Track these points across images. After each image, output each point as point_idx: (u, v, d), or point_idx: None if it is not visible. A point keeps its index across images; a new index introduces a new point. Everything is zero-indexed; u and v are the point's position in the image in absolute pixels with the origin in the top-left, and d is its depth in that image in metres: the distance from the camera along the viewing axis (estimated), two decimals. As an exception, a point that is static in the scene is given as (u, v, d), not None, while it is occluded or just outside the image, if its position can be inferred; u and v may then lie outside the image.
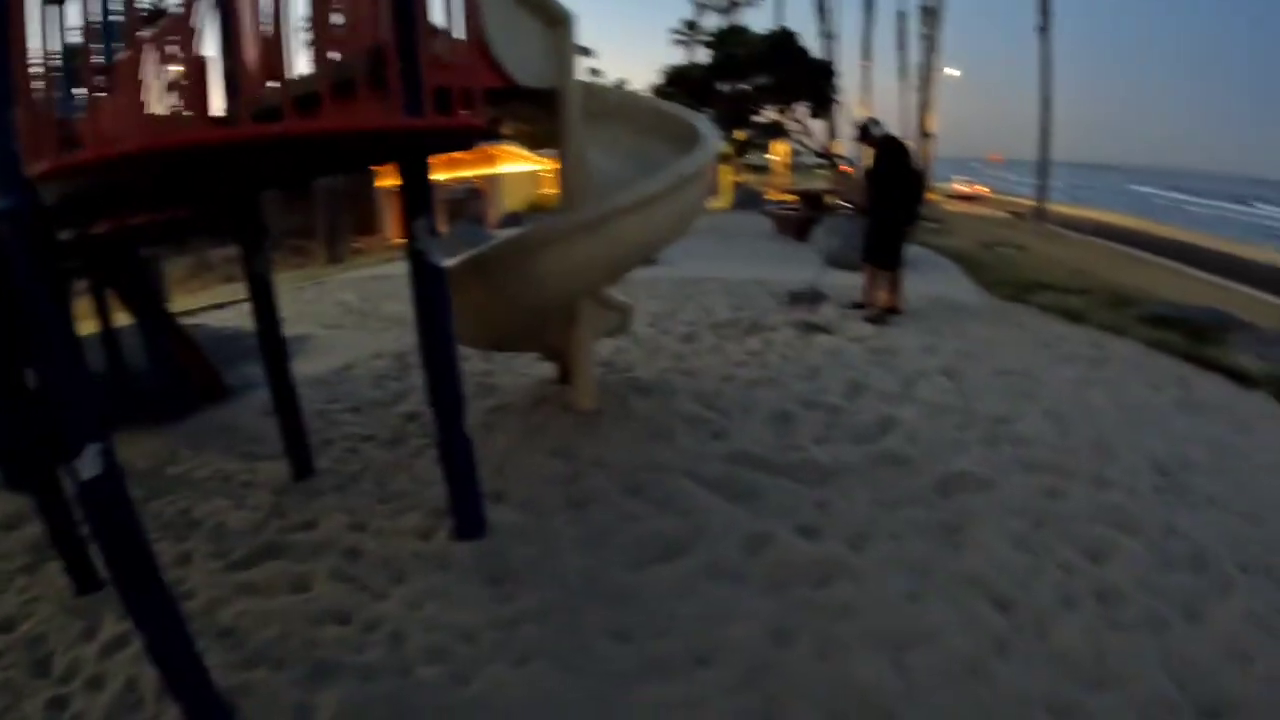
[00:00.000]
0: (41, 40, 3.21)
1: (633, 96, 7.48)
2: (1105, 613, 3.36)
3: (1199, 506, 4.34)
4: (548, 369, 6.86)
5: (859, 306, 9.29)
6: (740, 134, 32.78)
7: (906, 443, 5.14)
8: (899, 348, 7.52)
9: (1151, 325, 8.39)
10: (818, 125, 32.22)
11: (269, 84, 3.81)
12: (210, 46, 3.79)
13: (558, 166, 5.63)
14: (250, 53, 3.90)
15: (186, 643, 2.99)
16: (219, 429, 6.47)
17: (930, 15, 43.33)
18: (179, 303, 15.44)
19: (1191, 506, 4.33)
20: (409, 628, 3.44)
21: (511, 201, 31.66)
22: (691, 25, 66.57)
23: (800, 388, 6.33)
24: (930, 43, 43.33)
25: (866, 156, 9.79)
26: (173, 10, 4.06)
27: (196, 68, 3.52)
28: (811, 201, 18.76)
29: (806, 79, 29.74)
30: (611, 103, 6.27)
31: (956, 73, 50.51)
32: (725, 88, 30.55)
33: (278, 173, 4.57)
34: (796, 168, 47.76)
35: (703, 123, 5.89)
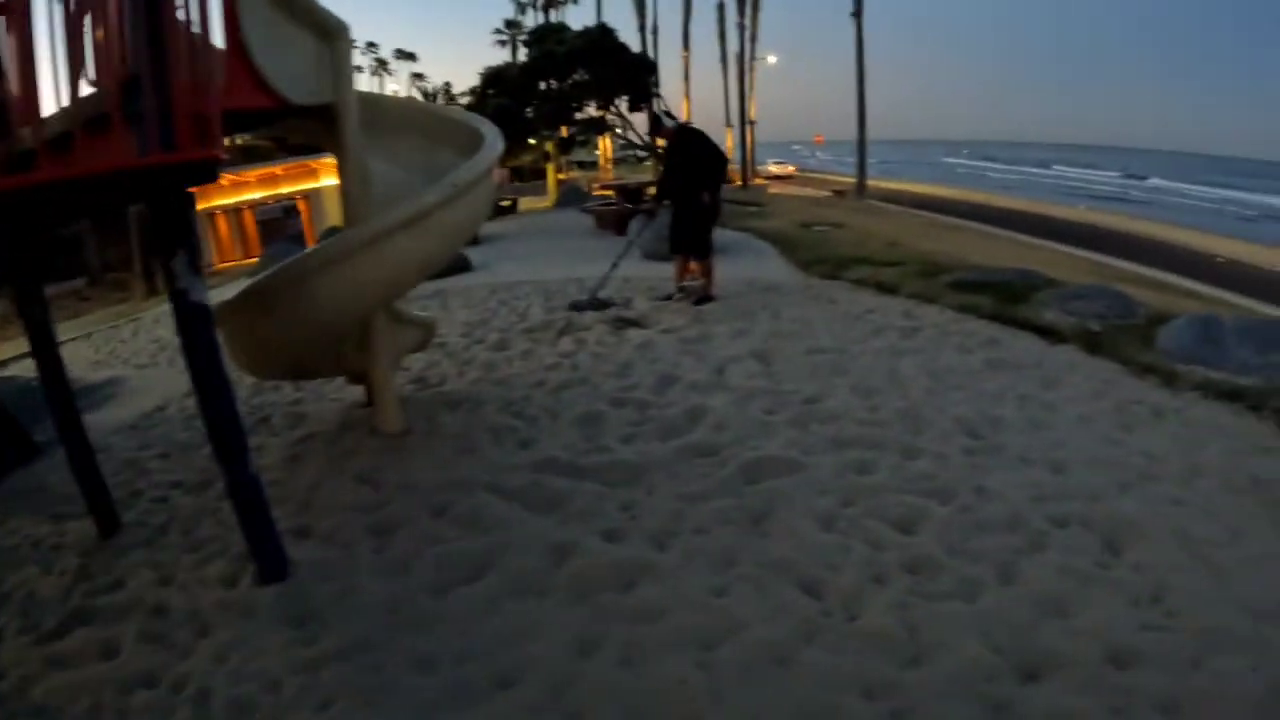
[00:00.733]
0: None
1: (418, 106, 7.29)
2: (917, 585, 3.29)
3: (1010, 465, 4.35)
4: (358, 392, 6.53)
5: (670, 298, 9.24)
6: (563, 131, 32.67)
7: (715, 432, 5.04)
8: (711, 335, 7.47)
9: (962, 291, 8.54)
10: (639, 118, 32.26)
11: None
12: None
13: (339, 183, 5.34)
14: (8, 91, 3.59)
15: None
16: (28, 490, 5.91)
17: (747, 5, 44.12)
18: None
19: (1002, 466, 4.34)
20: (215, 683, 3.18)
21: (335, 216, 30.82)
22: (512, 24, 66.39)
23: (610, 386, 6.20)
24: (748, 31, 44.12)
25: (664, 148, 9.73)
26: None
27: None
28: (628, 195, 18.69)
29: (625, 74, 29.82)
30: (397, 113, 6.05)
31: (774, 59, 51.48)
32: (545, 86, 30.39)
33: (32, 219, 4.18)
34: (623, 161, 48.04)
35: (487, 127, 5.71)
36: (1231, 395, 5.26)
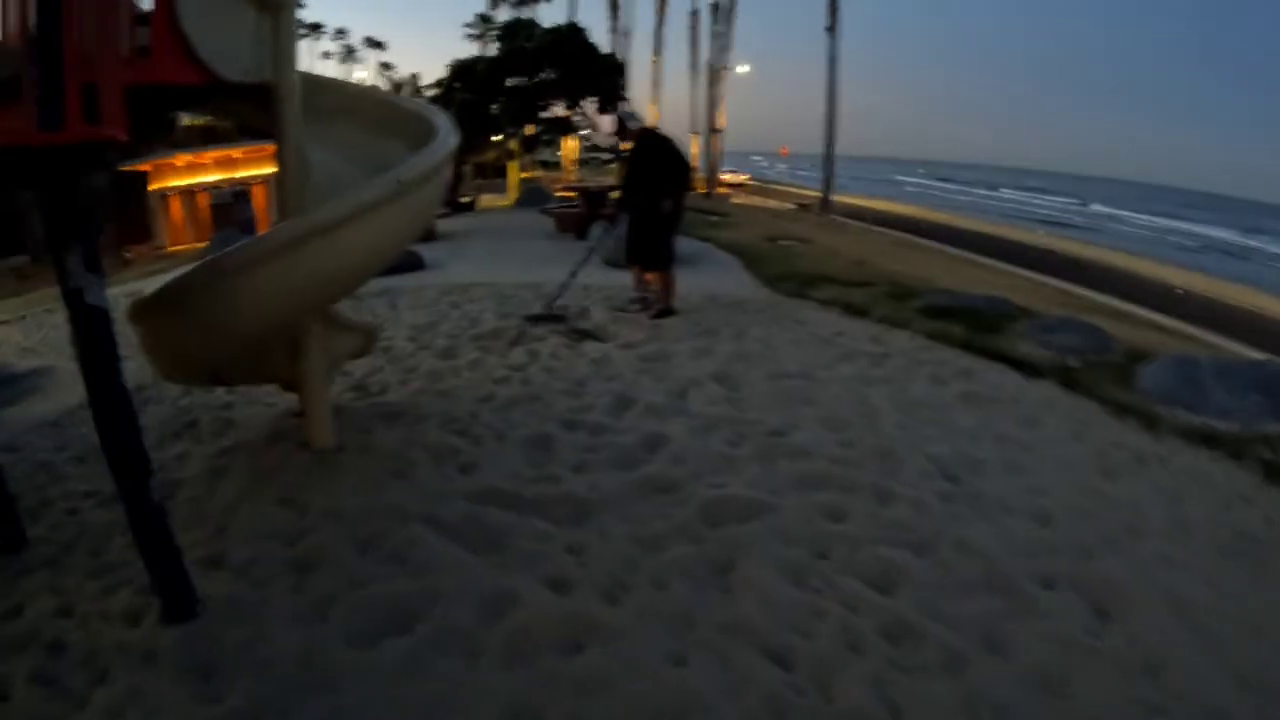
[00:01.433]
0: None
1: (367, 91, 6.85)
2: (897, 656, 2.97)
3: (990, 514, 4.06)
4: (292, 399, 6.09)
5: (626, 309, 8.92)
6: (528, 129, 32.35)
7: (673, 464, 4.69)
8: (671, 353, 7.11)
9: (933, 316, 8.31)
10: (606, 120, 32.00)
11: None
12: None
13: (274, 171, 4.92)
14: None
15: None
16: None
17: (721, 13, 44.06)
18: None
19: (983, 515, 4.05)
20: None
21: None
22: (484, 19, 66.12)
23: (563, 405, 5.84)
24: (722, 40, 44.06)
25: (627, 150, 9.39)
26: None
27: None
28: (591, 198, 18.32)
29: (594, 74, 29.54)
30: (342, 98, 5.61)
31: (746, 68, 51.50)
32: (513, 82, 30.04)
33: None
34: (587, 163, 47.82)
35: (441, 119, 5.31)
36: (1211, 441, 5.10)
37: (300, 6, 4.60)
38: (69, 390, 7.58)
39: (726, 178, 55.65)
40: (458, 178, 29.63)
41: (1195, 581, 3.48)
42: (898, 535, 3.81)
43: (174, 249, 27.42)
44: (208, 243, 19.91)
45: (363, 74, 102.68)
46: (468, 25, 69.98)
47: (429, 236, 16.47)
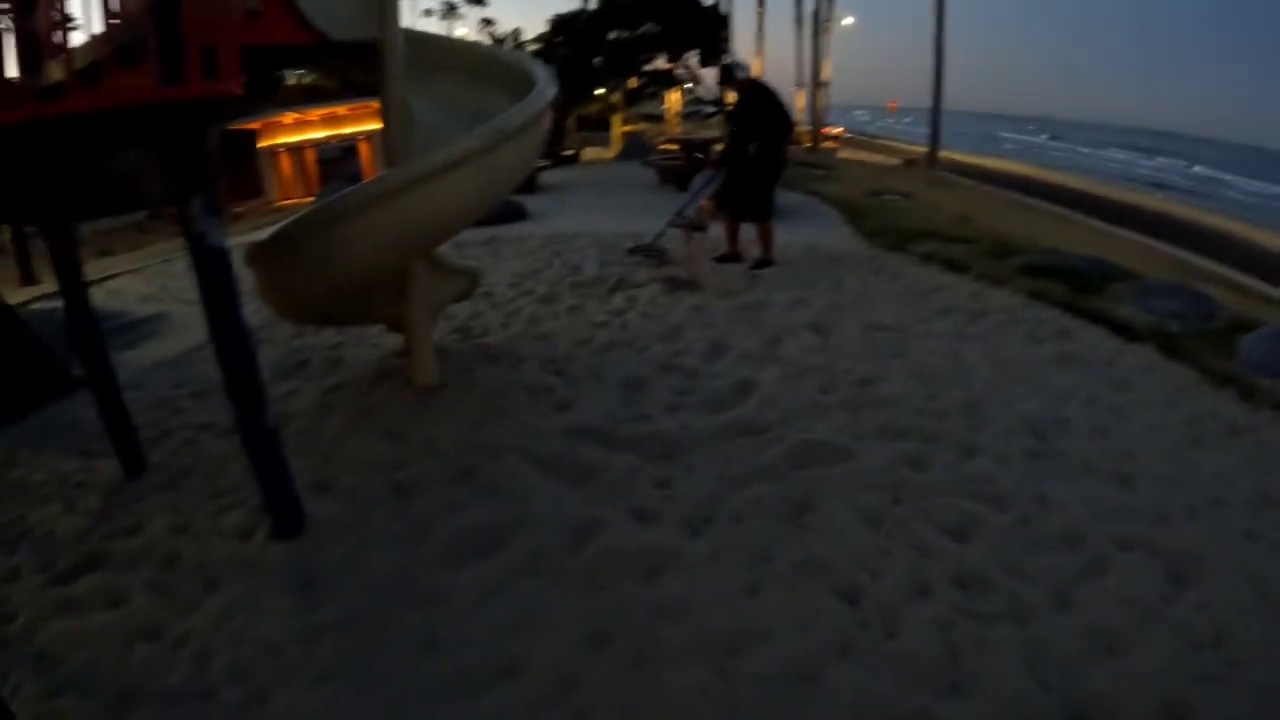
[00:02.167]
0: None
1: (467, 45, 7.00)
2: (964, 601, 3.02)
3: (1075, 474, 4.02)
4: (398, 340, 6.34)
5: (724, 259, 8.94)
6: (631, 82, 32.25)
7: (763, 408, 4.79)
8: (767, 303, 7.16)
9: (1033, 275, 8.13)
10: (708, 73, 31.75)
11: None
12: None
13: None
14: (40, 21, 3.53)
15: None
16: (61, 425, 5.87)
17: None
18: (50, 283, 14.55)
19: (1066, 475, 4.00)
20: (216, 644, 3.08)
21: (397, 158, 30.80)
22: (585, -28, 65.89)
23: (659, 350, 5.97)
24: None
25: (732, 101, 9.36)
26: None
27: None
28: (693, 150, 18.26)
29: (696, 27, 29.27)
30: (444, 52, 5.80)
31: (851, 21, 50.40)
32: (614, 36, 29.96)
33: (58, 152, 4.02)
34: (691, 116, 47.49)
35: (540, 71, 5.43)
36: (1311, 416, 4.89)
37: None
38: (184, 333, 8.03)
39: (826, 131, 54.76)
40: (560, 130, 29.77)
41: (1274, 557, 3.39)
42: (977, 488, 3.82)
43: (283, 203, 28.08)
44: (314, 197, 20.41)
45: (464, 30, 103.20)
46: (568, -23, 69.94)
47: (532, 187, 16.65)
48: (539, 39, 32.35)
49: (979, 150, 52.96)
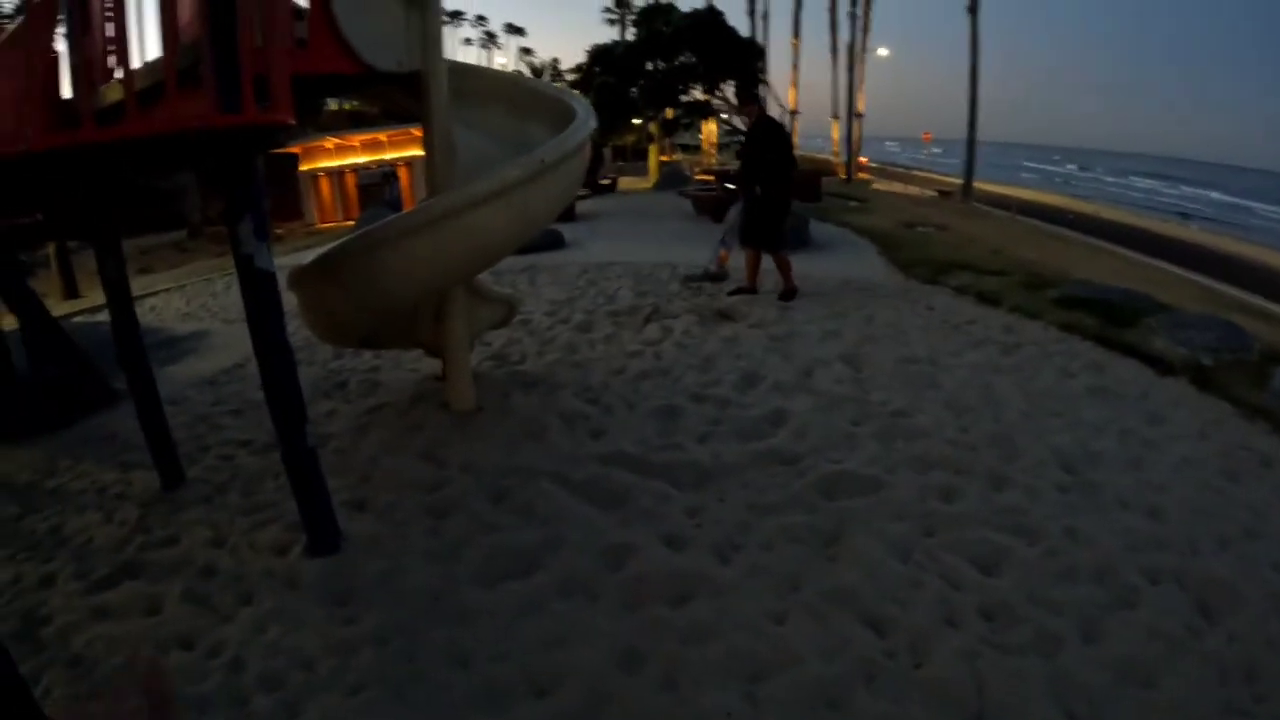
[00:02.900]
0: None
1: (508, 77, 7.15)
2: (991, 633, 3.04)
3: (1105, 507, 4.02)
4: (435, 364, 6.45)
5: (741, 290, 9.05)
6: (668, 112, 32.45)
7: (795, 439, 4.83)
8: (800, 334, 7.24)
9: (1066, 307, 8.13)
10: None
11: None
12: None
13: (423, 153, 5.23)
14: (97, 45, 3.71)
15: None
16: (101, 437, 6.05)
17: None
18: (91, 298, 14.88)
19: (1097, 508, 4.01)
20: (250, 654, 3.16)
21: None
22: (621, 3, 66.58)
23: (692, 379, 6.04)
24: (860, 22, 43.33)
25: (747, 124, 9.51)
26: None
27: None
28: (727, 181, 18.40)
29: (732, 57, 29.43)
30: (487, 83, 5.96)
31: (885, 52, 50.51)
32: (651, 66, 30.19)
33: (108, 175, 4.17)
34: (727, 146, 47.69)
35: (580, 104, 5.55)
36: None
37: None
38: (224, 352, 8.23)
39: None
40: (598, 160, 29.99)
41: (1307, 590, 3.38)
42: (1007, 520, 3.84)
43: (323, 226, 28.49)
44: (354, 221, 20.70)
45: (503, 60, 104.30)
46: (606, 10, 70.62)
47: (570, 216, 16.82)
48: (577, 69, 32.66)
49: (1004, 179, 52.82)
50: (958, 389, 5.72)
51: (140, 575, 3.87)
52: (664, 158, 39.73)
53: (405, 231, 4.63)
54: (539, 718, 2.74)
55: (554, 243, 13.43)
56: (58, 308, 12.22)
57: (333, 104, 38.24)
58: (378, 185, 27.82)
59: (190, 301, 12.29)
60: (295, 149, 28.96)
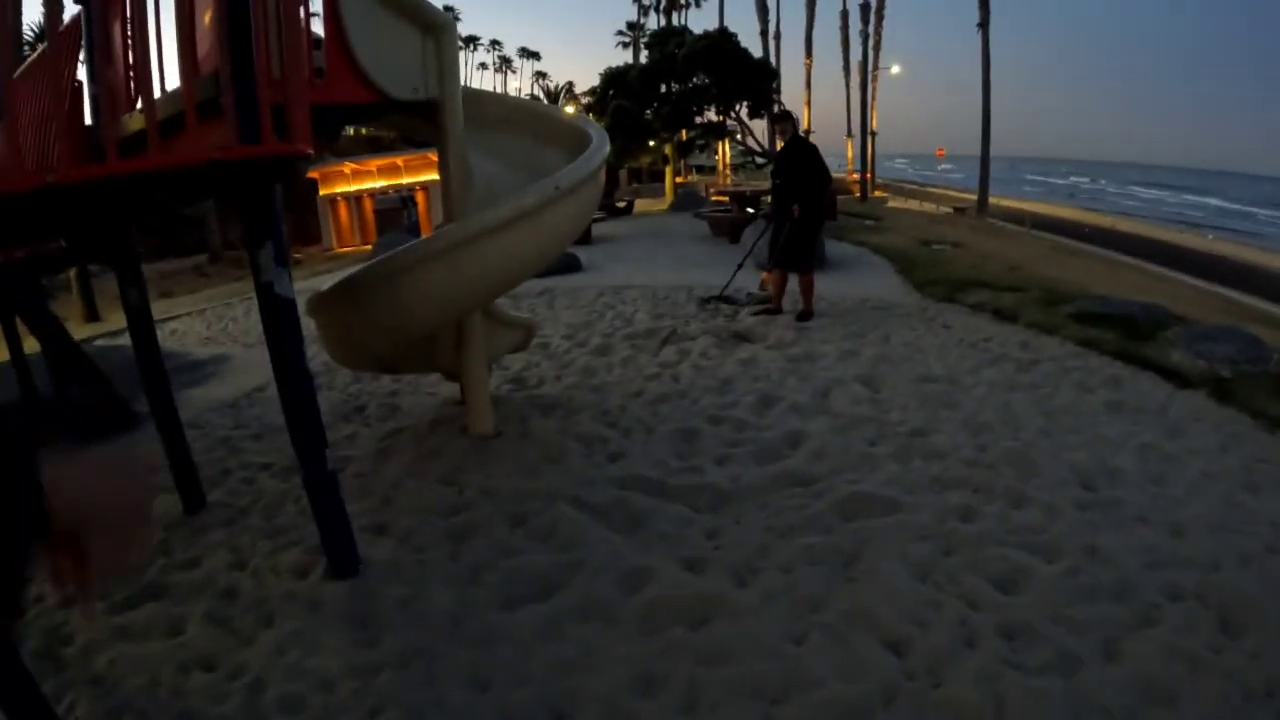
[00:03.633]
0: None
1: (523, 104, 7.21)
2: (1011, 653, 3.01)
3: (1125, 524, 3.99)
4: (454, 388, 6.50)
5: (769, 312, 9.12)
6: (682, 134, 32.59)
7: (813, 460, 4.84)
8: (818, 354, 7.26)
9: (1084, 323, 8.12)
10: (759, 125, 32.01)
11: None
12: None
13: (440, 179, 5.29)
14: (118, 76, 3.76)
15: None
16: None
17: (871, 13, 43.55)
18: (111, 321, 15.03)
19: (1117, 525, 3.98)
20: (271, 675, 3.17)
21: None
22: (634, 26, 67.03)
23: (710, 401, 6.07)
24: (871, 40, 43.51)
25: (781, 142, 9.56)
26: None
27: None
28: (744, 202, 18.47)
29: (745, 79, 29.57)
30: (503, 110, 6.02)
31: (897, 69, 50.60)
32: (665, 89, 30.37)
33: (131, 205, 4.23)
34: (742, 167, 47.80)
35: (594, 130, 5.62)
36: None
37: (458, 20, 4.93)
38: (244, 376, 8.29)
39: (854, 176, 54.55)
40: (613, 182, 30.09)
41: (1331, 604, 3.34)
42: (1026, 539, 3.82)
43: (341, 251, 28.66)
44: (372, 245, 20.83)
45: (518, 84, 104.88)
46: (620, 33, 71.17)
47: (587, 239, 16.91)
48: (591, 92, 32.87)
49: (1008, 194, 52.97)
50: (975, 407, 5.72)
51: (162, 597, 3.89)
52: (680, 179, 39.86)
53: (424, 258, 4.68)
54: (558, 741, 2.74)
55: (571, 266, 13.52)
56: (79, 331, 12.34)
57: (350, 129, 38.60)
58: (395, 210, 27.99)
59: (211, 326, 12.42)
60: (314, 174, 29.19)
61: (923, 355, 7.21)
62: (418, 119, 5.19)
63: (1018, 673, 2.89)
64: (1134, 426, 5.36)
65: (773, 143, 9.27)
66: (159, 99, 3.46)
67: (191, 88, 3.32)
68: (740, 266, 9.82)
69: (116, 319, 13.34)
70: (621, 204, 29.49)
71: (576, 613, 3.43)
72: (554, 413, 5.99)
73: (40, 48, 4.02)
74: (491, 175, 5.28)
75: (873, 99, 43.49)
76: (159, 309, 13.56)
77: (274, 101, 3.32)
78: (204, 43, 3.51)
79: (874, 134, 43.55)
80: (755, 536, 3.97)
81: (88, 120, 4.24)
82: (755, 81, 30.07)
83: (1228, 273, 23.44)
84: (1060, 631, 3.12)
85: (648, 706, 2.85)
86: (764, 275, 9.12)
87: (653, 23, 63.88)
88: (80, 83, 4.21)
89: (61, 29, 3.52)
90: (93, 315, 17.56)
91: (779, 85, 32.80)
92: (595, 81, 33.62)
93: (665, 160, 37.25)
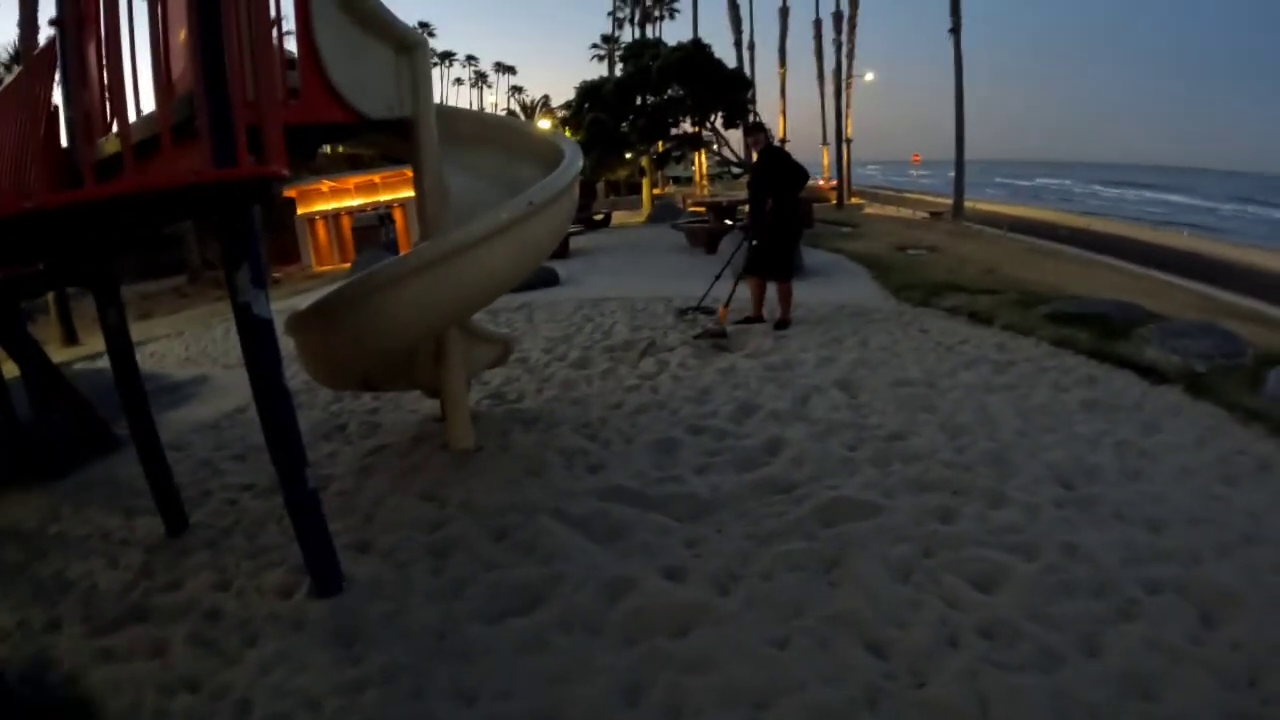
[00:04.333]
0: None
1: (496, 120, 7.25)
2: (992, 651, 3.03)
3: (1103, 521, 4.03)
4: (434, 405, 6.50)
5: (749, 321, 9.13)
6: (659, 146, 32.65)
7: (792, 467, 4.86)
8: (795, 361, 7.31)
9: (1059, 323, 8.19)
10: (734, 135, 32.09)
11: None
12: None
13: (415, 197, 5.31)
14: (94, 99, 3.79)
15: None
16: (104, 483, 6.07)
17: (844, 21, 43.81)
18: (90, 344, 14.96)
19: (1095, 522, 4.02)
20: (256, 695, 3.16)
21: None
22: (609, 39, 67.24)
23: (689, 411, 6.09)
24: (845, 48, 43.78)
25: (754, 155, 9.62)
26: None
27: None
28: (720, 213, 18.52)
29: (720, 90, 29.66)
30: (477, 126, 6.04)
31: (871, 77, 50.91)
32: (640, 101, 30.42)
33: (109, 228, 4.24)
34: (719, 177, 47.96)
35: (568, 145, 5.65)
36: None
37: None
38: (224, 397, 8.28)
39: (823, 184, 54.76)
40: (590, 195, 30.09)
41: (1309, 593, 3.38)
42: (1005, 538, 3.85)
43: (320, 269, 28.58)
44: (350, 263, 20.81)
45: (494, 99, 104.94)
46: (594, 46, 71.49)
47: (564, 253, 16.92)
48: (566, 105, 32.93)
49: (974, 196, 53.73)
50: (953, 410, 5.76)
51: (146, 619, 3.88)
52: (657, 191, 39.94)
53: (401, 275, 4.69)
54: (543, 754, 2.75)
55: (549, 280, 13.54)
56: (58, 354, 12.28)
57: (327, 147, 38.55)
58: (373, 227, 27.91)
59: (190, 347, 12.37)
60: (291, 193, 29.09)
61: (900, 360, 7.25)
62: (393, 137, 5.20)
63: (999, 671, 2.90)
64: (1110, 424, 5.42)
65: (748, 153, 9.29)
66: (133, 122, 3.47)
67: (166, 110, 3.34)
68: (718, 277, 9.85)
69: (95, 342, 13.28)
70: (599, 217, 29.52)
71: (559, 624, 3.44)
72: (534, 426, 6.00)
73: (14, 71, 4.02)
74: (467, 191, 5.29)
75: (848, 106, 43.75)
76: (138, 331, 13.53)
77: (249, 122, 3.33)
78: (178, 64, 3.52)
79: (849, 141, 43.75)
80: (736, 544, 3.98)
81: (63, 143, 4.25)
82: (730, 92, 30.13)
83: (1203, 268, 23.67)
84: (1041, 629, 3.14)
85: (632, 715, 2.86)
86: (720, 309, 9.05)
87: (627, 35, 64.08)
88: (56, 106, 4.21)
89: (37, 52, 3.52)
90: (71, 338, 17.48)
91: (754, 95, 32.96)
92: (571, 95, 33.64)
93: (642, 172, 37.34)
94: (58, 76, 4.14)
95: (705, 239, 17.08)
